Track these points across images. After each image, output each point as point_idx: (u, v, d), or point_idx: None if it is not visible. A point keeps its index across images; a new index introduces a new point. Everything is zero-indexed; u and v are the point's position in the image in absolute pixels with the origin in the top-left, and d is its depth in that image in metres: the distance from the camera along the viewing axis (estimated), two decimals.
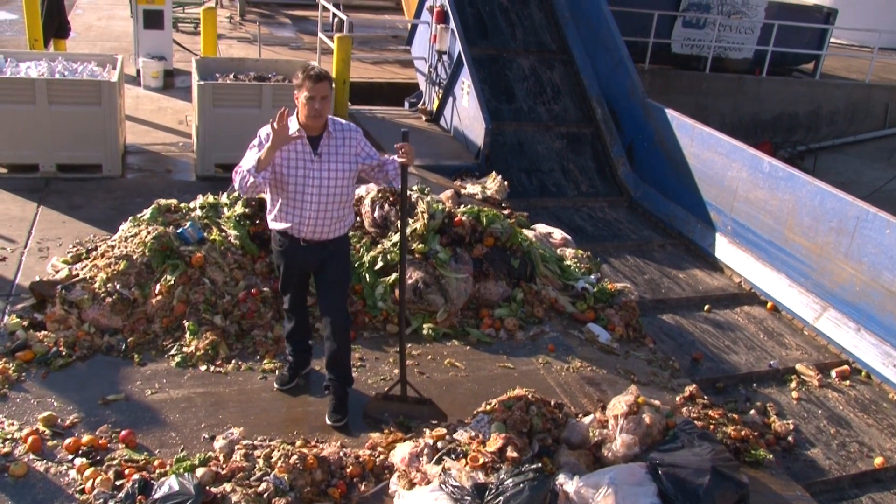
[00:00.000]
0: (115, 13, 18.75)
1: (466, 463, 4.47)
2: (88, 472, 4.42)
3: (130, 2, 13.23)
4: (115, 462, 4.54)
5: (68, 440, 4.65)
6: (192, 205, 6.89)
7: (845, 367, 7.55)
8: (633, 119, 11.55)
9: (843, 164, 16.55)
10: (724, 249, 9.62)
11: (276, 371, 5.62)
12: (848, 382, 7.38)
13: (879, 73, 18.69)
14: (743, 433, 5.53)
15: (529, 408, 4.95)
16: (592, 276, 7.48)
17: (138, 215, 6.71)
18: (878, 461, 6.29)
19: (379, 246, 6.76)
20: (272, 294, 6.25)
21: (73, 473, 4.45)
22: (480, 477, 4.32)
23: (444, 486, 4.27)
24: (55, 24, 12.20)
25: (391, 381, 5.49)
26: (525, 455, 4.56)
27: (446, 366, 6.00)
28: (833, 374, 7.48)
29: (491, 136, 10.80)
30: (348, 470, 4.64)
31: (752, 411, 6.63)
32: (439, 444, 4.71)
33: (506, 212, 8.65)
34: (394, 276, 6.50)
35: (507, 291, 6.84)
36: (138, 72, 12.66)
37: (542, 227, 8.33)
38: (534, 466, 4.31)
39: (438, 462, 4.56)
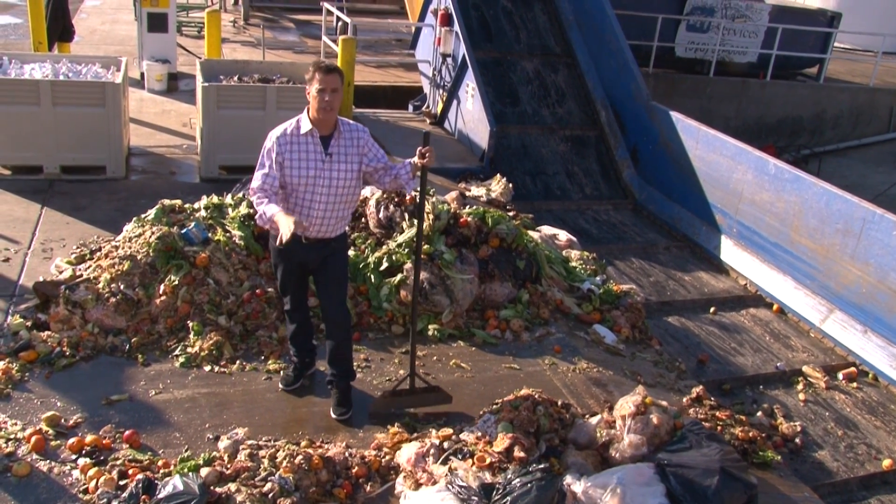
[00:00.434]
0: (119, 17, 18.79)
1: (473, 463, 4.43)
2: (92, 471, 4.39)
3: (135, 5, 13.26)
4: (118, 462, 4.51)
5: (72, 440, 4.62)
6: (196, 205, 6.87)
7: (852, 369, 7.50)
8: (638, 122, 11.53)
9: (847, 168, 16.50)
10: (730, 252, 9.58)
11: (281, 372, 5.59)
12: (855, 384, 7.33)
13: (883, 77, 18.66)
14: (751, 434, 5.49)
15: (536, 408, 4.91)
16: (598, 278, 7.44)
17: (142, 216, 6.69)
18: (886, 463, 6.24)
19: (384, 247, 6.73)
20: (277, 295, 6.22)
21: (76, 473, 4.42)
22: (487, 477, 4.28)
23: (450, 487, 4.24)
24: (59, 28, 12.22)
25: (397, 382, 5.46)
26: (532, 455, 4.52)
27: (452, 366, 5.97)
28: (840, 376, 7.43)
29: (495, 139, 10.78)
30: (354, 470, 4.60)
31: (759, 413, 6.58)
32: (445, 445, 4.67)
33: (511, 214, 8.61)
34: (399, 276, 6.47)
35: (512, 292, 6.81)
36: (142, 75, 12.67)
37: (547, 229, 8.30)
38: (541, 466, 4.27)
39: (445, 462, 4.52)
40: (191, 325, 5.84)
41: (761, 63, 16.90)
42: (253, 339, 5.93)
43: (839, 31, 17.81)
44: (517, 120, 11.64)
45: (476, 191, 9.58)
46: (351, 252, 6.55)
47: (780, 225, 8.89)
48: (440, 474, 4.41)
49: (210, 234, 6.44)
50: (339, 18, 13.87)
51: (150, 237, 6.21)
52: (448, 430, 4.85)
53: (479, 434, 4.74)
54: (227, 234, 6.49)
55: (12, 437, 4.64)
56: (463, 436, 4.78)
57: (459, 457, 4.53)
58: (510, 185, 9.71)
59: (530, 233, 7.65)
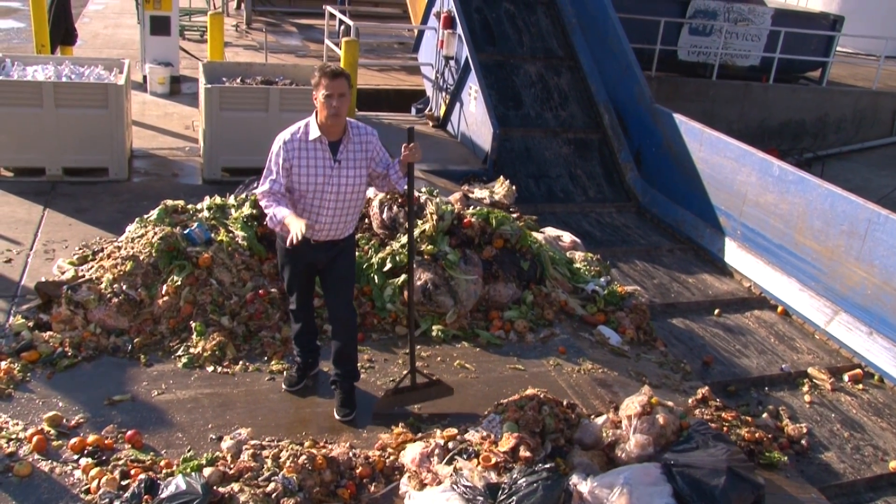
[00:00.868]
0: (122, 21, 18.81)
1: (478, 463, 4.40)
2: (94, 471, 4.36)
3: (137, 8, 13.26)
4: (120, 462, 4.48)
5: (73, 440, 4.59)
6: (199, 206, 6.85)
7: (858, 370, 7.46)
8: (641, 124, 11.51)
9: (850, 172, 16.46)
10: (734, 254, 9.55)
11: (284, 372, 5.55)
12: (861, 386, 7.29)
13: (886, 81, 18.63)
14: (757, 435, 5.46)
15: (542, 407, 4.87)
16: (602, 279, 7.41)
17: (145, 216, 6.66)
18: (893, 465, 6.20)
19: (387, 248, 6.70)
20: (280, 295, 6.20)
21: (78, 473, 4.39)
22: (493, 477, 4.25)
23: (455, 487, 4.20)
24: (62, 31, 12.23)
25: (398, 380, 5.41)
26: (538, 455, 4.49)
27: (456, 367, 5.93)
28: (845, 377, 7.39)
29: (498, 141, 10.75)
30: (358, 470, 4.57)
31: (765, 415, 6.53)
32: (450, 445, 4.64)
33: (514, 215, 8.58)
34: (402, 277, 6.44)
35: (516, 293, 6.78)
36: (145, 78, 12.67)
37: (550, 230, 8.27)
38: (547, 466, 4.23)
39: (450, 462, 4.48)
40: (193, 325, 5.81)
41: (764, 66, 16.88)
42: (256, 339, 5.90)
43: (842, 34, 17.78)
44: (520, 123, 11.63)
45: (479, 193, 9.55)
46: None
47: (784, 227, 8.86)
48: (445, 474, 4.37)
49: (213, 235, 6.41)
50: (341, 22, 13.85)
51: (153, 237, 6.18)
52: (453, 430, 4.81)
53: (485, 434, 4.71)
54: (230, 235, 6.46)
55: (14, 437, 4.62)
56: (468, 436, 4.75)
57: (464, 457, 4.50)
58: (513, 187, 9.68)
59: (534, 234, 7.62)
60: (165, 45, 12.69)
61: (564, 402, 5.11)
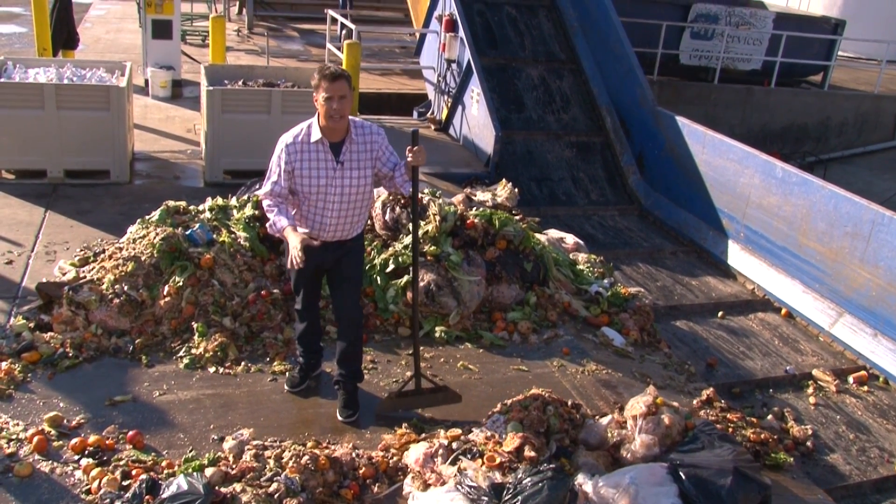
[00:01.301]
0: (124, 26, 18.82)
1: (483, 463, 4.35)
2: (95, 472, 4.32)
3: (139, 12, 13.26)
4: (121, 462, 4.44)
5: (74, 440, 4.55)
6: (201, 207, 6.83)
7: (863, 372, 7.42)
8: (644, 127, 11.48)
9: (852, 175, 16.43)
10: (737, 256, 9.52)
11: (287, 373, 5.52)
12: (866, 388, 7.25)
13: (888, 85, 18.61)
14: (762, 436, 5.41)
15: (546, 407, 4.83)
16: (606, 281, 7.38)
17: (147, 217, 6.64)
18: None
19: (390, 249, 6.68)
20: (282, 296, 6.17)
21: (78, 474, 4.35)
22: (497, 477, 4.20)
23: (459, 487, 4.16)
24: (64, 35, 12.25)
25: (402, 383, 5.38)
26: (542, 455, 4.44)
27: (459, 368, 5.90)
28: (850, 379, 7.35)
29: (501, 144, 10.73)
30: (361, 471, 4.53)
31: (770, 416, 6.49)
32: (454, 445, 4.60)
33: (517, 217, 8.54)
34: (405, 278, 6.41)
35: (520, 295, 6.75)
36: (146, 82, 12.65)
37: (553, 232, 8.24)
38: (552, 466, 4.19)
39: (454, 462, 4.44)
40: (195, 326, 5.78)
41: (765, 70, 16.86)
42: (258, 340, 5.87)
43: (843, 38, 17.78)
44: (522, 126, 11.60)
45: (482, 196, 9.50)
46: None
47: (787, 229, 8.83)
48: (449, 475, 4.33)
49: (215, 236, 6.39)
50: (343, 26, 13.86)
51: (155, 238, 6.15)
52: (457, 431, 4.77)
53: (489, 434, 4.66)
54: (232, 236, 6.44)
55: (14, 437, 4.58)
56: (472, 436, 4.71)
57: (469, 457, 4.45)
58: (516, 190, 9.64)
59: (537, 235, 7.59)
60: (167, 48, 12.68)
61: (569, 403, 5.07)
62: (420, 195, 7.10)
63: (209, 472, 4.28)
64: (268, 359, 5.71)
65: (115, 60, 9.97)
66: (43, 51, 11.07)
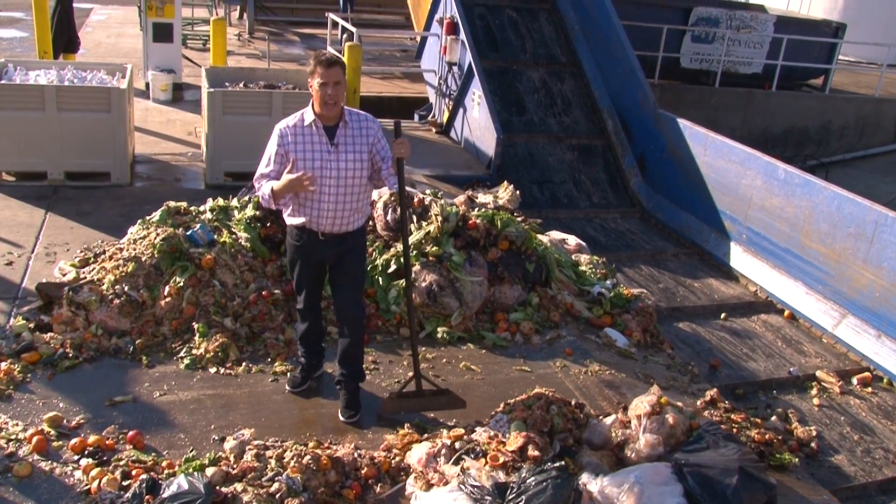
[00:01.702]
0: (125, 31, 18.82)
1: (486, 462, 4.32)
2: (94, 472, 4.29)
3: (140, 15, 13.26)
4: (121, 463, 4.41)
5: (74, 440, 4.52)
6: (202, 207, 6.80)
7: (867, 374, 7.38)
8: (645, 130, 11.46)
9: (854, 179, 16.39)
10: (740, 258, 9.48)
11: (288, 374, 5.48)
12: (870, 389, 7.21)
13: (888, 88, 18.60)
14: (767, 437, 5.38)
15: (550, 407, 4.80)
16: (608, 282, 7.34)
17: (147, 218, 6.61)
18: None
19: (392, 249, 6.64)
20: (283, 297, 6.14)
21: (78, 474, 4.32)
22: (501, 476, 4.16)
23: (463, 487, 4.12)
24: (64, 39, 12.22)
25: (403, 384, 5.34)
26: (546, 455, 4.40)
27: (462, 369, 5.86)
28: (854, 381, 7.31)
29: (502, 146, 10.71)
30: (363, 471, 4.49)
31: (774, 417, 6.44)
32: (457, 445, 4.55)
33: (519, 219, 8.52)
34: None
35: (522, 295, 6.72)
36: (147, 85, 12.64)
37: (555, 234, 8.21)
38: (557, 465, 4.15)
39: (457, 462, 4.40)
40: (196, 326, 5.75)
41: (766, 74, 16.85)
42: (259, 341, 5.83)
43: (844, 41, 17.77)
44: (523, 129, 11.59)
45: (483, 198, 9.47)
46: None
47: (790, 230, 8.80)
48: (452, 474, 4.29)
49: (216, 236, 6.36)
50: (344, 29, 13.85)
51: (156, 238, 6.12)
52: (459, 431, 4.73)
53: (492, 433, 4.63)
54: (233, 236, 6.41)
55: (13, 437, 4.55)
56: (475, 436, 4.67)
57: (472, 456, 4.41)
58: (517, 192, 9.62)
59: (539, 237, 7.56)
60: (168, 52, 12.67)
61: (572, 402, 5.04)
62: (422, 195, 7.11)
63: (210, 471, 4.24)
64: (269, 359, 5.67)
65: (116, 63, 9.96)
66: (44, 54, 11.04)
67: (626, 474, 4.21)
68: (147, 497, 4.04)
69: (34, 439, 4.49)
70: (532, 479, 4.05)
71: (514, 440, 4.46)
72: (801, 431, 6.30)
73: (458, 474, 4.24)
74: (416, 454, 4.57)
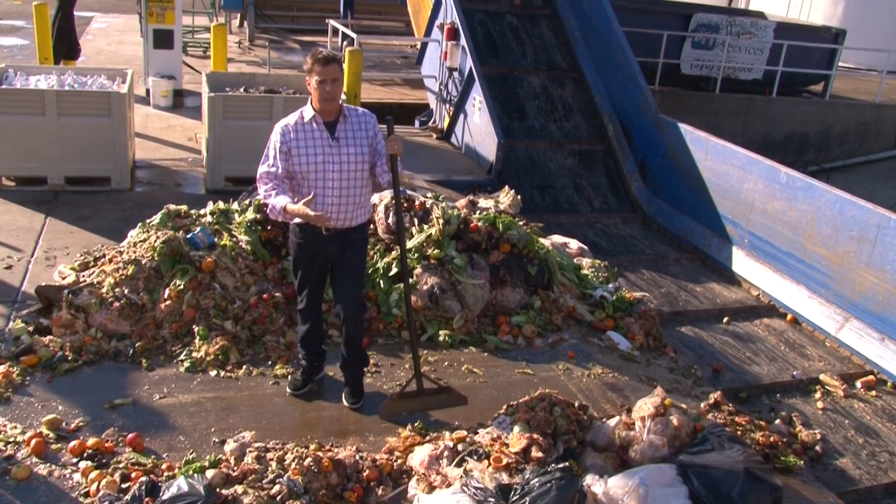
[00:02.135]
0: (125, 38, 18.83)
1: (489, 464, 4.28)
2: (93, 474, 4.26)
3: (140, 21, 13.26)
4: (121, 465, 4.38)
5: (73, 443, 4.50)
6: (202, 211, 6.78)
7: (870, 377, 7.33)
8: (646, 135, 11.45)
9: (855, 184, 16.36)
10: (742, 262, 9.45)
11: (289, 376, 5.45)
12: (874, 393, 7.16)
13: (889, 95, 18.61)
14: (772, 439, 5.35)
15: (553, 409, 4.76)
16: (611, 285, 7.31)
17: (148, 221, 6.58)
18: None
19: (393, 252, 6.61)
20: (284, 300, 6.11)
21: (77, 476, 4.29)
22: (504, 478, 4.13)
23: (466, 488, 4.08)
24: (65, 46, 12.24)
25: (404, 384, 5.30)
26: (550, 456, 4.37)
27: (464, 372, 5.83)
28: (858, 384, 7.26)
29: (503, 152, 10.69)
30: (365, 474, 4.46)
31: (777, 421, 6.40)
32: (460, 447, 4.52)
33: (521, 223, 8.49)
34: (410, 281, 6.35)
35: (524, 298, 6.69)
36: (148, 91, 12.63)
37: (557, 238, 8.19)
38: (561, 466, 4.11)
39: (459, 464, 4.36)
40: (196, 329, 5.72)
41: (766, 80, 16.85)
42: (260, 344, 5.80)
43: (844, 47, 17.78)
44: (524, 134, 11.57)
45: (484, 203, 9.44)
46: None
47: (792, 234, 8.76)
48: (455, 476, 4.26)
49: (216, 239, 6.33)
50: (345, 36, 13.86)
51: (156, 242, 6.10)
52: (462, 432, 4.70)
53: (495, 435, 4.59)
54: (234, 239, 6.39)
55: (12, 440, 4.52)
56: (478, 437, 4.64)
57: (475, 458, 4.38)
58: (518, 197, 9.59)
59: (541, 240, 7.53)
60: (168, 58, 12.66)
61: (576, 404, 5.00)
62: (423, 199, 7.08)
63: (210, 473, 4.21)
64: (270, 362, 5.65)
65: (116, 68, 9.95)
66: (44, 60, 11.05)
67: (630, 475, 4.17)
68: (146, 499, 4.01)
69: (33, 442, 4.46)
70: (536, 480, 4.02)
71: (518, 441, 4.42)
72: (806, 435, 6.26)
73: (461, 476, 4.21)
74: (419, 456, 4.53)
